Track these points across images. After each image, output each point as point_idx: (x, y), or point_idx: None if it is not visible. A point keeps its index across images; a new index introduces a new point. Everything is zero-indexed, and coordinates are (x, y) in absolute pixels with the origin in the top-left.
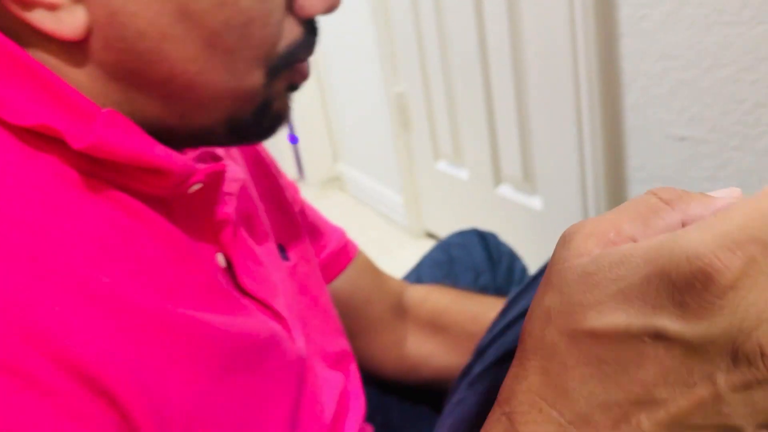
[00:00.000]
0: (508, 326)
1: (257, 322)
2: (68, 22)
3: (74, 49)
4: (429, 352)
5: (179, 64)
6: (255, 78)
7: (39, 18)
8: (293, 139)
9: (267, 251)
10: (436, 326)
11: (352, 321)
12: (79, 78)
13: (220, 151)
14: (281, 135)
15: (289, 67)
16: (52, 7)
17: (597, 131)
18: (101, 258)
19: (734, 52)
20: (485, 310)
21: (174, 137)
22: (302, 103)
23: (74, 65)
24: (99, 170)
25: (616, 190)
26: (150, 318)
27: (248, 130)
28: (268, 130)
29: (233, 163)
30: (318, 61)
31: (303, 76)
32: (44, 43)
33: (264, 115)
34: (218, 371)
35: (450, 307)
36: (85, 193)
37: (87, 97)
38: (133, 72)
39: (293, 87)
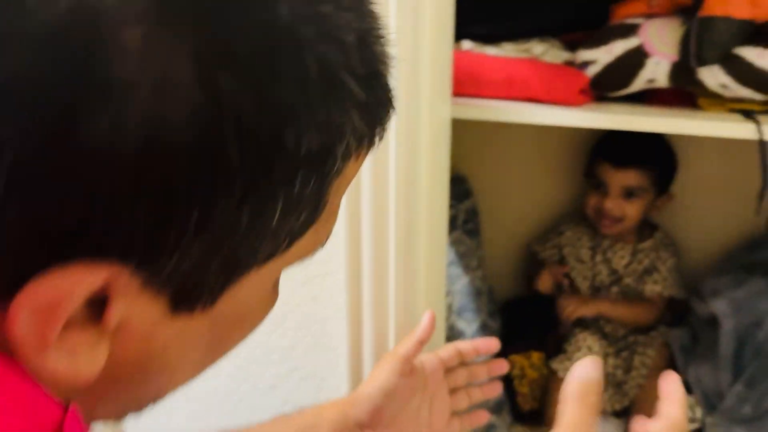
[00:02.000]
0: None
1: None
2: (85, 363)
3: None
4: None
5: (170, 385)
6: None
7: (54, 359)
8: None
9: None
10: None
11: None
12: (57, 384)
13: None
14: None
15: None
16: (72, 352)
17: None
18: None
19: None
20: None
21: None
22: None
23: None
24: None
25: None
26: None
27: None
28: None
29: None
30: None
31: None
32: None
33: None
34: None
35: None
36: None
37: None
38: (116, 385)
39: None
